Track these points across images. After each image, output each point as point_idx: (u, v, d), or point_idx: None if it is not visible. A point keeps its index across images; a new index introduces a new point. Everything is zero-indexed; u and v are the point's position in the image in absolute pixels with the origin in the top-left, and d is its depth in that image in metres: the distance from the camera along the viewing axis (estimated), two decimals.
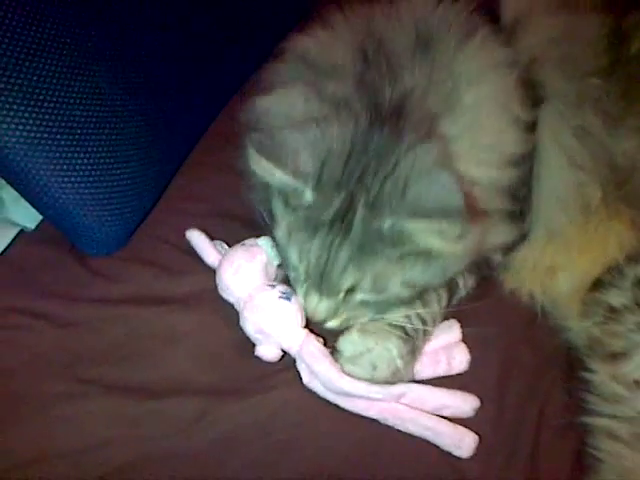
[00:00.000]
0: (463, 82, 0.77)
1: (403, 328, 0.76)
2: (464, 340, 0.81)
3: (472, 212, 0.68)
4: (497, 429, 0.75)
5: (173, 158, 0.98)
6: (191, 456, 0.71)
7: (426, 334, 0.79)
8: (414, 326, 0.77)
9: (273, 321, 0.76)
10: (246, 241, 0.84)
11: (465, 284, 0.86)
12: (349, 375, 0.73)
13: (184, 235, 0.91)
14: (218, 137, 1.07)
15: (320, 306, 0.75)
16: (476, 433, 0.73)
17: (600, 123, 0.83)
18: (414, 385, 0.74)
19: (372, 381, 0.73)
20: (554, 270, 0.86)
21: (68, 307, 0.83)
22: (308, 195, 0.71)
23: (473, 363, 0.80)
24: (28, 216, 0.90)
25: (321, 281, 0.73)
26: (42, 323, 0.81)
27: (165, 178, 0.97)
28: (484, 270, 0.88)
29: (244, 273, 0.80)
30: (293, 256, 0.74)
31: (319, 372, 0.73)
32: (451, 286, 0.83)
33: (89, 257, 0.89)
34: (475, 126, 0.76)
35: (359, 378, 0.72)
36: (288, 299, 0.76)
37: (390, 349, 0.74)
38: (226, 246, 0.88)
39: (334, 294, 0.74)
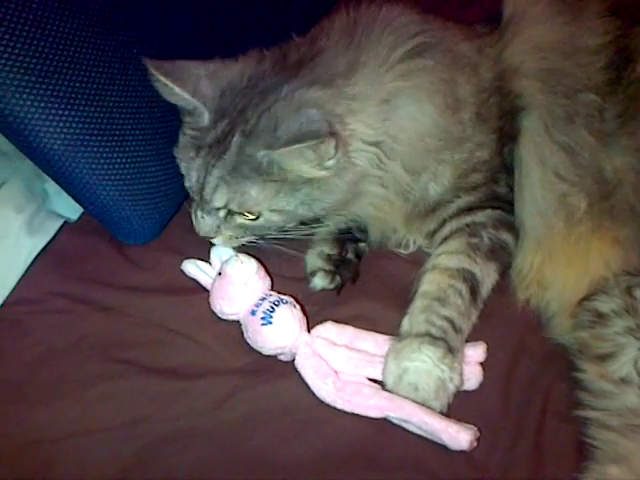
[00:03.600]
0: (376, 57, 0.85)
1: (429, 334, 0.80)
2: None
3: (335, 139, 0.77)
4: (503, 413, 0.80)
5: None
6: (217, 433, 0.77)
7: (458, 331, 0.81)
8: (439, 327, 0.80)
9: (270, 342, 0.81)
10: (223, 265, 0.87)
11: (483, 273, 0.87)
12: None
13: None
14: None
15: (203, 222, 0.86)
16: (482, 416, 0.78)
17: (592, 139, 0.86)
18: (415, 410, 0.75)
19: (425, 401, 0.76)
20: (543, 286, 0.89)
21: (107, 293, 0.90)
22: (205, 118, 0.82)
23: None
24: (71, 208, 0.97)
25: (201, 198, 0.83)
26: (84, 307, 0.88)
27: None
28: (501, 256, 0.90)
29: (232, 303, 0.85)
30: (184, 173, 0.85)
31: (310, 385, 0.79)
32: (465, 276, 0.86)
33: (126, 246, 0.96)
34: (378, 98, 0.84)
35: (417, 402, 0.75)
36: (270, 323, 0.80)
37: (425, 360, 0.77)
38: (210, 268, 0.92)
39: (212, 212, 0.84)
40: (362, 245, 0.97)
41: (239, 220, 0.85)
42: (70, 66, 0.81)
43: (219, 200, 0.82)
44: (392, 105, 0.84)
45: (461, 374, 0.79)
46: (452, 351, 0.79)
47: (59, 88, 0.80)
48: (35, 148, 0.82)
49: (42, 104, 0.79)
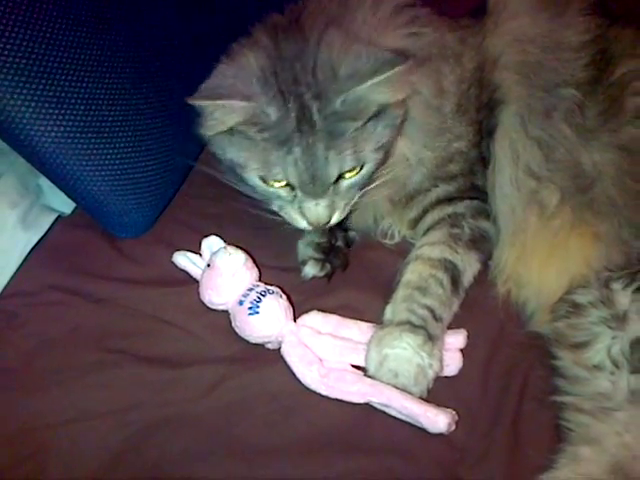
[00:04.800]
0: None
1: (409, 322, 0.82)
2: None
3: (400, 56, 0.76)
4: (482, 398, 0.83)
5: (195, 148, 1.06)
6: (207, 418, 0.80)
7: (438, 319, 0.84)
8: (420, 315, 0.83)
9: (257, 331, 0.84)
10: (212, 257, 0.90)
11: (464, 263, 0.90)
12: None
13: (204, 219, 1.01)
14: None
15: (319, 209, 0.82)
16: (462, 400, 0.81)
17: (571, 133, 0.87)
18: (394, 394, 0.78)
19: (405, 386, 0.78)
20: (519, 285, 0.91)
21: (99, 285, 0.93)
22: (272, 112, 0.76)
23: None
24: (64, 202, 0.99)
25: (314, 182, 0.79)
26: (78, 299, 0.91)
27: (187, 166, 1.05)
28: (482, 245, 0.92)
29: (221, 294, 0.87)
30: (280, 177, 0.80)
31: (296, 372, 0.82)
32: (447, 266, 0.88)
33: (118, 240, 0.99)
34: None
35: (397, 388, 0.78)
36: (256, 313, 0.83)
37: (405, 347, 0.80)
38: (200, 259, 0.94)
39: (326, 190, 0.80)
40: (352, 234, 1.00)
41: (346, 183, 0.82)
42: (60, 66, 0.83)
43: (334, 170, 0.79)
44: None
45: (441, 360, 0.81)
46: (432, 339, 0.81)
47: (49, 88, 0.82)
48: (27, 146, 0.84)
49: (33, 103, 0.81)
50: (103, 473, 0.75)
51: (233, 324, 0.86)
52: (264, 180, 0.81)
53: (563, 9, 0.92)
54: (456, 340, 0.85)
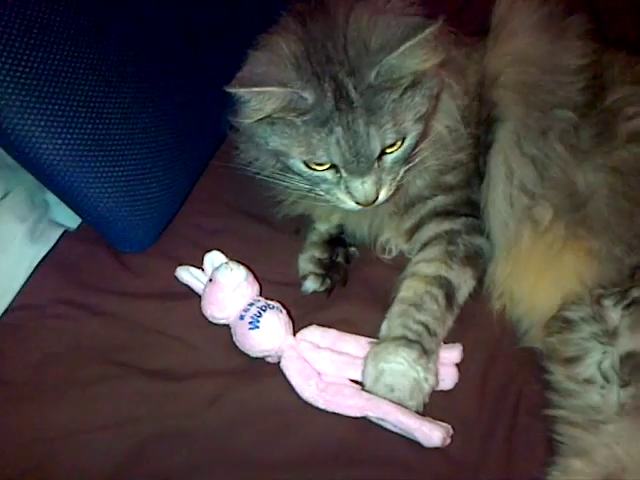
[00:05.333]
0: None
1: (404, 337, 0.84)
2: None
3: (429, 21, 0.76)
4: (478, 411, 0.84)
5: (198, 165, 1.09)
6: (207, 431, 0.81)
7: (433, 334, 0.86)
8: (414, 331, 0.85)
9: (257, 345, 0.86)
10: (214, 272, 0.91)
11: (459, 279, 0.91)
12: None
13: (207, 234, 1.03)
14: None
15: (366, 187, 0.81)
16: (458, 413, 0.83)
17: (566, 153, 0.89)
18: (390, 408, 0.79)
19: (401, 400, 0.80)
20: (514, 302, 0.92)
21: (105, 299, 0.95)
22: (308, 95, 0.77)
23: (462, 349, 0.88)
24: (71, 217, 1.01)
25: (358, 160, 0.79)
26: (83, 313, 0.93)
27: (190, 183, 1.07)
28: (476, 262, 0.94)
29: (222, 308, 0.89)
30: (323, 159, 0.80)
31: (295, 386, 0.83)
32: (442, 283, 0.90)
33: (123, 254, 1.01)
34: None
35: (394, 402, 0.80)
36: (257, 327, 0.85)
37: (401, 362, 0.81)
38: (203, 274, 0.95)
39: (371, 166, 0.80)
40: (352, 250, 1.01)
41: (390, 158, 0.82)
42: (69, 87, 0.85)
43: (376, 145, 0.79)
44: None
45: (436, 375, 0.83)
46: (427, 353, 0.83)
47: (58, 107, 0.84)
48: (35, 163, 0.87)
49: (42, 123, 0.83)
50: None
51: (234, 338, 0.88)
52: (308, 165, 0.82)
53: (562, 32, 0.94)
54: (452, 355, 0.87)
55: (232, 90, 0.77)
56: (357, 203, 0.83)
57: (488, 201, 0.93)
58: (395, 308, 0.88)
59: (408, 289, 0.90)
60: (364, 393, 0.81)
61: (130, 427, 0.82)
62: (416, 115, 0.81)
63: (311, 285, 0.96)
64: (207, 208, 1.08)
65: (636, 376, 0.78)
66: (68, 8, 0.86)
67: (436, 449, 0.79)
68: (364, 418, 0.81)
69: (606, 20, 1.27)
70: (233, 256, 0.95)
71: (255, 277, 0.93)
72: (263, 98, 0.77)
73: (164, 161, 0.98)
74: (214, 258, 0.95)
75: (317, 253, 0.98)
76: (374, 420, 0.81)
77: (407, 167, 0.85)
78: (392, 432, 0.80)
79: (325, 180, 0.83)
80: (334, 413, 0.81)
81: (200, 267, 0.96)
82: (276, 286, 0.96)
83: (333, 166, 0.81)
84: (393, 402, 0.80)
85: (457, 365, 0.87)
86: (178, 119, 1.01)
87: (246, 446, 0.80)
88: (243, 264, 0.92)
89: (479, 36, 0.99)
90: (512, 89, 0.93)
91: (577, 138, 0.90)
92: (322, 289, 0.96)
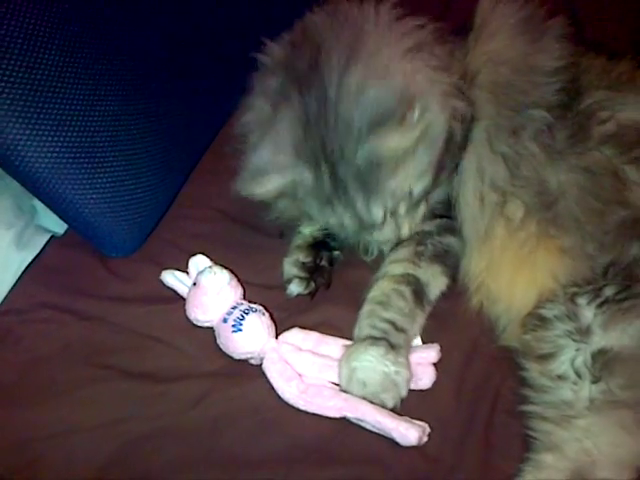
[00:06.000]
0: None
1: (371, 336, 0.87)
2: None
3: (404, 100, 0.79)
4: (455, 409, 0.86)
5: (183, 169, 1.11)
6: (192, 431, 0.83)
7: (400, 330, 0.88)
8: (380, 328, 0.87)
9: (240, 348, 0.88)
10: (198, 276, 0.93)
11: (427, 275, 0.93)
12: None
13: (192, 238, 1.05)
14: (224, 145, 1.15)
15: (385, 234, 0.89)
16: (436, 412, 0.85)
17: (539, 152, 0.91)
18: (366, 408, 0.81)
19: (375, 394, 0.83)
20: (492, 300, 0.94)
21: (90, 303, 0.97)
22: (308, 179, 0.83)
23: (440, 348, 0.90)
24: (57, 223, 1.03)
25: (364, 226, 0.85)
26: (69, 317, 0.95)
27: (175, 187, 1.09)
28: (445, 259, 0.96)
29: (206, 311, 0.91)
30: (337, 227, 0.88)
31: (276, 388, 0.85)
32: (409, 280, 0.92)
33: (109, 259, 1.03)
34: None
35: (369, 397, 0.82)
36: (240, 330, 0.87)
37: (370, 360, 0.84)
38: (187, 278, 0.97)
39: (383, 222, 0.86)
40: (336, 253, 1.03)
41: (402, 209, 0.88)
42: (53, 96, 0.87)
43: (378, 213, 0.86)
44: None
45: (408, 368, 0.85)
46: (394, 348, 0.85)
47: (43, 116, 0.86)
48: (21, 171, 0.89)
49: (27, 131, 0.85)
50: None
51: (218, 340, 0.90)
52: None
53: (540, 35, 0.96)
54: (429, 354, 0.89)
55: (241, 193, 0.85)
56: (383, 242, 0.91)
57: (459, 196, 0.95)
58: (364, 309, 0.91)
59: (376, 289, 0.92)
60: (343, 394, 0.83)
61: (116, 428, 0.83)
62: (417, 176, 0.85)
63: (295, 288, 0.98)
64: (192, 213, 1.10)
65: (607, 372, 0.80)
66: (53, 18, 0.87)
67: (414, 447, 0.81)
68: (344, 418, 0.83)
69: (586, 25, 1.30)
70: (217, 260, 0.97)
71: (239, 280, 0.95)
72: (266, 184, 0.84)
73: (149, 167, 1.00)
74: (198, 262, 0.97)
75: (302, 257, 1.00)
76: (353, 420, 0.83)
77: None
78: (371, 431, 0.82)
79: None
80: (314, 414, 0.83)
81: (185, 271, 0.97)
82: (260, 289, 0.98)
83: None
84: (369, 399, 0.82)
85: (435, 364, 0.89)
86: (162, 126, 1.03)
87: (230, 445, 0.82)
88: (227, 268, 0.94)
89: (460, 36, 1.01)
90: (486, 89, 0.95)
91: (552, 138, 0.92)
92: (306, 292, 0.98)
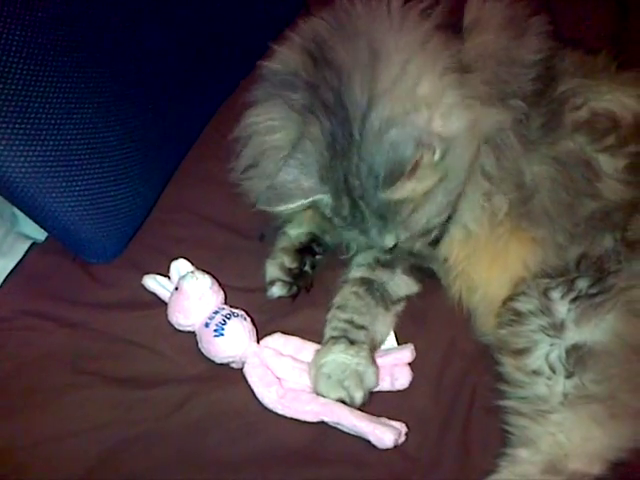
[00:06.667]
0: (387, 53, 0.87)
1: (332, 337, 0.90)
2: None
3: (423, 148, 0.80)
4: (433, 408, 0.88)
5: (163, 174, 1.11)
6: (175, 434, 0.84)
7: (359, 327, 0.91)
8: (340, 329, 0.91)
9: (222, 352, 0.89)
10: (180, 280, 0.94)
11: (385, 277, 0.96)
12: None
13: (173, 243, 1.06)
14: (204, 148, 1.20)
15: (395, 250, 0.91)
16: (414, 411, 0.87)
17: (516, 143, 0.92)
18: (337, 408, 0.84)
19: (340, 382, 0.86)
20: (471, 289, 0.96)
21: (72, 310, 0.97)
22: (329, 201, 0.87)
23: (418, 348, 0.92)
24: (38, 230, 1.03)
25: (378, 249, 0.90)
26: (51, 324, 0.95)
27: (155, 193, 1.09)
28: (411, 261, 0.98)
29: (188, 316, 0.92)
30: (350, 240, 0.93)
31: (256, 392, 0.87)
32: (364, 281, 0.96)
33: (90, 265, 1.03)
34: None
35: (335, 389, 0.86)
36: (221, 334, 0.88)
37: (333, 357, 0.87)
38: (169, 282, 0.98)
39: (389, 249, 0.90)
40: (318, 258, 1.04)
41: (415, 237, 0.90)
42: (30, 106, 0.87)
43: (390, 242, 0.88)
44: None
45: (371, 360, 0.88)
46: (354, 343, 0.89)
47: (20, 127, 0.86)
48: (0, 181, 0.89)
49: (3, 142, 0.86)
50: None
51: (199, 345, 0.91)
52: None
53: (523, 31, 0.98)
54: (403, 355, 0.91)
55: (265, 209, 0.87)
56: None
57: None
58: (328, 315, 0.94)
59: (339, 295, 0.96)
60: (321, 399, 0.85)
61: (100, 433, 0.84)
62: (434, 215, 0.87)
63: (278, 291, 0.99)
64: (173, 217, 1.11)
65: (580, 367, 0.82)
66: (27, 27, 0.87)
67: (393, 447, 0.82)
68: (322, 422, 0.84)
69: (565, 24, 1.32)
70: (199, 264, 0.98)
71: (220, 285, 0.96)
72: (289, 208, 0.86)
73: (128, 174, 1.00)
74: (180, 266, 0.97)
75: (287, 262, 1.01)
76: (331, 424, 0.84)
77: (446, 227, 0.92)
78: (348, 434, 0.84)
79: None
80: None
81: (167, 275, 0.98)
82: (241, 292, 0.99)
83: None
84: (336, 393, 0.85)
85: (412, 365, 0.91)
86: (141, 133, 1.03)
87: (212, 447, 0.84)
88: (208, 272, 0.95)
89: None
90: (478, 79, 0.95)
91: (527, 128, 0.93)
92: (288, 295, 0.99)
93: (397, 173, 0.80)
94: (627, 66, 1.03)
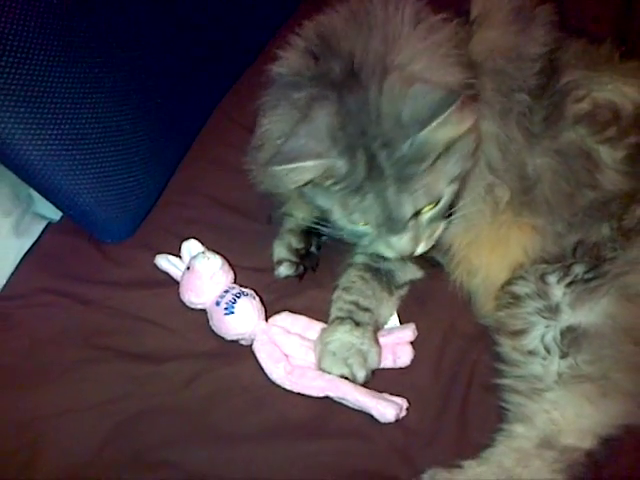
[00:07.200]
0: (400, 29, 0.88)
1: (338, 317, 0.93)
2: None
3: (454, 93, 0.79)
4: (433, 385, 0.91)
5: (173, 158, 1.14)
6: (185, 408, 0.88)
7: (364, 310, 0.94)
8: (345, 310, 0.94)
9: (232, 330, 0.92)
10: (191, 260, 0.97)
11: (389, 266, 0.98)
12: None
13: (184, 224, 1.09)
14: (212, 134, 1.23)
15: (403, 243, 0.85)
16: (415, 388, 0.90)
17: (520, 136, 0.94)
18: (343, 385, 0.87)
19: (345, 360, 0.89)
20: (472, 273, 0.99)
21: (87, 287, 1.01)
22: (341, 165, 0.81)
23: (419, 328, 0.95)
24: (53, 210, 1.06)
25: (391, 222, 0.83)
26: (67, 301, 0.99)
27: (166, 175, 1.13)
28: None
29: (199, 295, 0.95)
30: (359, 221, 0.85)
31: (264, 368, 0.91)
32: (371, 266, 0.98)
33: (104, 244, 1.06)
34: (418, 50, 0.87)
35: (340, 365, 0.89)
36: (232, 313, 0.92)
37: (339, 336, 0.91)
38: (180, 262, 1.01)
39: (405, 226, 0.84)
40: (324, 238, 1.07)
41: (426, 217, 0.86)
42: (46, 90, 0.90)
43: (408, 210, 0.83)
44: None
45: (374, 340, 0.92)
46: (360, 324, 0.92)
47: (36, 110, 0.89)
48: (16, 163, 0.92)
49: (22, 125, 0.89)
50: (92, 458, 0.84)
51: (210, 322, 0.95)
52: (350, 222, 0.87)
53: (528, 23, 0.99)
54: (405, 334, 0.94)
55: (273, 167, 0.83)
56: (395, 255, 0.88)
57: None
58: (334, 295, 0.97)
59: (344, 277, 0.98)
60: (326, 375, 0.89)
61: (114, 406, 0.88)
62: (449, 179, 0.85)
63: (285, 271, 1.02)
64: (184, 199, 1.14)
65: (574, 348, 0.86)
66: (42, 14, 0.90)
67: (394, 421, 0.86)
68: (327, 397, 0.88)
69: (570, 11, 1.33)
70: (209, 244, 1.01)
71: (230, 265, 0.99)
72: (301, 171, 0.82)
73: (140, 156, 1.03)
74: (191, 246, 1.00)
75: (294, 242, 1.04)
76: (336, 399, 0.88)
77: (449, 220, 0.90)
78: (353, 408, 0.88)
79: (366, 234, 0.89)
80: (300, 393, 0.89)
81: (178, 255, 1.01)
82: (249, 272, 1.02)
83: None
84: (340, 369, 0.89)
85: (414, 344, 0.94)
86: (153, 116, 1.06)
87: (221, 421, 0.87)
88: (218, 252, 0.98)
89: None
90: (486, 75, 0.96)
91: (531, 122, 0.95)
92: (295, 274, 1.03)
93: (428, 116, 0.78)
94: (631, 56, 1.04)
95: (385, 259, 0.95)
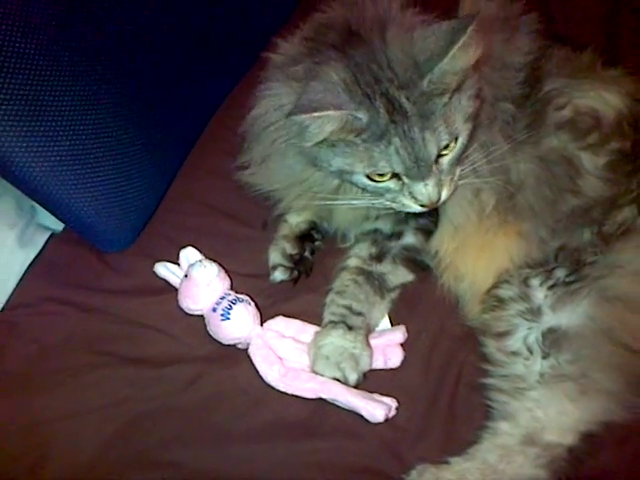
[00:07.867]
0: None
1: (331, 321, 0.96)
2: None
3: (469, 16, 0.82)
4: (422, 385, 0.95)
5: (171, 167, 1.17)
6: (185, 410, 0.92)
7: (357, 314, 0.97)
8: (338, 314, 0.96)
9: (228, 335, 0.96)
10: (189, 268, 1.00)
11: (382, 268, 1.01)
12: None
13: (182, 232, 1.12)
14: (209, 143, 1.26)
15: (429, 189, 0.86)
16: (404, 387, 0.94)
17: (504, 143, 0.97)
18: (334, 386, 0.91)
19: (338, 364, 0.92)
20: (458, 279, 1.02)
21: (90, 295, 1.05)
22: (362, 115, 0.82)
23: (409, 330, 0.99)
24: (56, 221, 1.09)
25: (418, 165, 0.84)
26: (70, 309, 1.03)
27: (165, 185, 1.16)
28: (404, 255, 1.03)
29: (197, 301, 0.99)
30: (385, 170, 0.85)
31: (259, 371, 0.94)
32: (364, 271, 1.01)
33: (105, 254, 1.10)
34: None
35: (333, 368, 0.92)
36: (228, 318, 0.95)
37: (331, 340, 0.94)
38: (179, 269, 1.04)
39: (430, 169, 0.85)
40: (317, 244, 1.11)
41: (446, 159, 0.87)
42: (47, 107, 0.93)
43: (433, 148, 0.84)
44: None
45: (366, 344, 0.95)
46: (352, 329, 0.95)
47: (38, 126, 0.92)
48: (19, 179, 0.95)
49: (24, 142, 0.92)
50: (97, 460, 0.88)
51: (207, 328, 0.98)
52: (372, 178, 0.87)
53: (514, 32, 1.01)
54: (395, 336, 0.98)
55: (294, 117, 0.83)
56: (422, 205, 0.89)
57: None
58: (327, 299, 1.00)
59: (337, 280, 1.02)
60: (319, 377, 0.92)
61: (116, 409, 0.92)
62: (465, 116, 0.87)
63: (279, 276, 1.06)
64: (181, 207, 1.17)
65: (555, 349, 0.89)
66: (42, 33, 0.92)
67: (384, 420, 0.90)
68: (320, 398, 0.92)
69: (556, 18, 1.36)
70: (206, 251, 1.04)
71: (226, 272, 1.03)
72: (322, 122, 0.81)
73: (139, 168, 1.06)
74: (189, 254, 1.04)
75: (288, 248, 1.07)
76: (328, 400, 0.92)
77: (461, 168, 0.92)
78: (344, 409, 0.91)
79: (389, 190, 0.89)
80: (294, 395, 0.92)
81: (176, 262, 1.05)
82: (245, 278, 1.06)
83: (395, 175, 0.87)
84: (333, 372, 0.92)
85: (404, 345, 0.98)
86: (151, 127, 1.09)
87: (220, 422, 0.91)
88: (215, 260, 1.02)
89: None
90: None
91: (514, 129, 0.98)
92: (289, 279, 1.06)
93: (447, 45, 0.80)
94: (617, 62, 1.07)
95: (407, 221, 0.99)
